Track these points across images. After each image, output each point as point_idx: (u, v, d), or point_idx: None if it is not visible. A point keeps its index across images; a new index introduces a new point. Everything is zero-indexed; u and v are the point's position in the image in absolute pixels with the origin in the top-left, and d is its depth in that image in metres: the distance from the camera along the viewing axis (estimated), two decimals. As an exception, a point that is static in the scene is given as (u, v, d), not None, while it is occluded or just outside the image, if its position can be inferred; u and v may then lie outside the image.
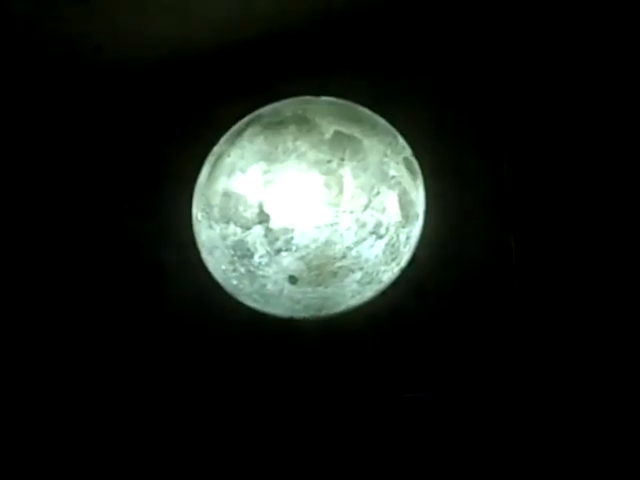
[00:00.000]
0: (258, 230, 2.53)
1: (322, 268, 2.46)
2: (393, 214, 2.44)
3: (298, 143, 2.55)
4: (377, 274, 2.37)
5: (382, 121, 2.39)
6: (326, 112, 2.49)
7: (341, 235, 2.49)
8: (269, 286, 2.45)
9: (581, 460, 2.04)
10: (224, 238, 2.50)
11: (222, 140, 2.50)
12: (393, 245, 2.40)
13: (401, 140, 2.37)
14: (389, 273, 2.33)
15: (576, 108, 2.28)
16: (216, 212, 2.51)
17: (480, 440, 2.11)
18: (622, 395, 2.06)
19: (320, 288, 2.43)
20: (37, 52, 2.49)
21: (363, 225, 2.48)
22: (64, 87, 2.64)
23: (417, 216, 2.32)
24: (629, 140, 2.22)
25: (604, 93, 2.27)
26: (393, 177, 2.45)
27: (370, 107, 2.40)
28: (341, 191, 2.52)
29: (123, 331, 2.45)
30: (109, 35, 2.46)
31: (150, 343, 2.42)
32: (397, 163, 2.42)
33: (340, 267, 2.45)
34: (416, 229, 2.31)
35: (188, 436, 2.31)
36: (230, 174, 2.55)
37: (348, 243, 2.47)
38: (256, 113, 2.49)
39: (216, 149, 2.49)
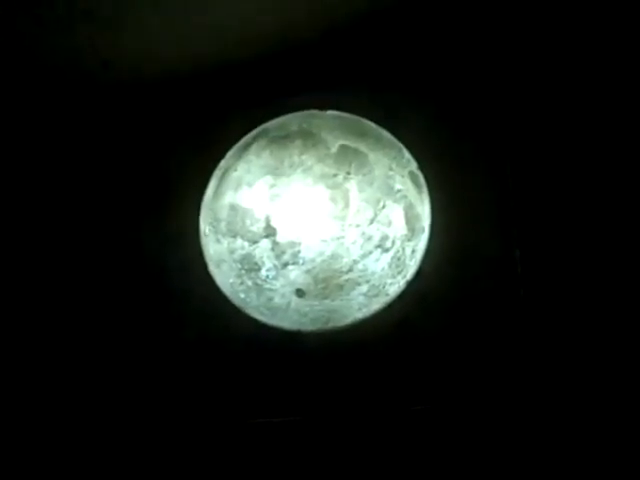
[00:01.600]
0: (265, 244, 2.55)
1: (329, 281, 2.47)
2: (399, 227, 2.45)
3: (304, 157, 2.58)
4: (383, 287, 2.39)
5: (387, 135, 2.41)
6: (332, 126, 2.51)
7: (347, 249, 2.51)
8: (276, 299, 2.46)
9: (587, 475, 2.05)
10: (231, 252, 2.51)
11: (229, 154, 2.51)
12: (399, 258, 2.41)
13: (406, 154, 2.38)
14: (395, 286, 2.34)
15: (581, 120, 2.29)
16: (223, 226, 2.53)
17: (487, 453, 2.12)
18: (630, 409, 2.06)
19: (327, 301, 2.44)
20: (43, 69, 2.51)
21: (369, 239, 2.50)
22: (71, 103, 2.66)
23: (423, 229, 2.33)
24: (635, 147, 2.23)
25: (611, 106, 2.28)
26: (399, 191, 2.47)
27: (375, 121, 2.42)
28: (347, 205, 2.55)
29: (130, 344, 2.46)
30: (115, 52, 2.48)
31: (158, 356, 2.43)
32: (402, 177, 2.44)
33: (347, 280, 2.46)
34: (422, 242, 2.31)
35: (195, 449, 2.32)
36: (237, 188, 2.57)
37: (354, 256, 2.49)
38: (262, 127, 2.51)
39: (223, 163, 2.51)
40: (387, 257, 2.44)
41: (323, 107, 2.48)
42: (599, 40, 2.32)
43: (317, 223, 2.55)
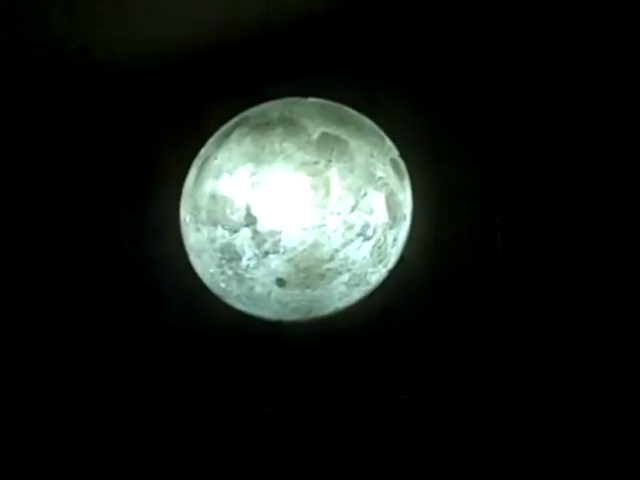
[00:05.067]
0: (246, 233, 2.53)
1: (310, 270, 2.46)
2: (380, 215, 2.44)
3: (285, 145, 2.55)
4: (365, 276, 2.38)
5: (369, 122, 2.38)
6: (313, 113, 2.49)
7: (328, 237, 2.49)
8: (257, 289, 2.45)
9: (572, 463, 2.05)
10: (212, 241, 2.49)
11: (209, 142, 2.48)
12: (380, 247, 2.40)
13: (388, 141, 2.36)
14: (377, 275, 2.33)
15: (564, 107, 2.28)
16: (203, 215, 2.51)
17: (471, 441, 2.12)
18: (611, 393, 2.07)
19: (308, 290, 2.43)
20: (20, 56, 2.48)
21: (350, 227, 2.48)
22: (48, 90, 2.63)
23: (404, 217, 2.32)
24: (621, 141, 2.22)
25: (593, 91, 2.27)
26: (380, 178, 2.45)
27: (357, 108, 2.40)
28: (328, 193, 2.53)
29: (110, 334, 2.45)
30: (94, 36, 2.45)
31: (138, 346, 2.42)
32: (384, 164, 2.42)
33: (328, 269, 2.45)
34: (403, 230, 2.30)
35: (174, 439, 2.31)
36: (217, 176, 2.54)
37: (335, 245, 2.48)
38: (243, 115, 2.48)
39: (203, 151, 2.48)
40: (368, 245, 2.43)
41: (304, 94, 2.45)
42: (585, 29, 2.31)
43: (298, 211, 2.53)
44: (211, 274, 2.42)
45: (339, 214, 2.50)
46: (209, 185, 2.53)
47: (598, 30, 2.29)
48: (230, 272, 2.46)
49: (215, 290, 2.38)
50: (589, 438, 2.05)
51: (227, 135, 2.51)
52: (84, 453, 2.36)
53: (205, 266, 2.43)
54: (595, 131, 2.25)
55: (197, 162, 2.48)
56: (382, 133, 2.37)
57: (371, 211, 2.46)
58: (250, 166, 2.56)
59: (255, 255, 2.51)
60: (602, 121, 2.25)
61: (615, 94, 2.24)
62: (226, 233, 2.52)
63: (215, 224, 2.52)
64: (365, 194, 2.48)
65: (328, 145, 2.52)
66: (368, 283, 2.33)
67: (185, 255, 2.41)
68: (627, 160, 2.20)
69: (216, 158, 2.52)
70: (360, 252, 2.44)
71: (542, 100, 2.30)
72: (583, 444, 2.05)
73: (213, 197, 2.53)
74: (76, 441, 2.37)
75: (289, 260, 2.49)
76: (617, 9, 2.27)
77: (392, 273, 2.27)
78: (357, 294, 2.31)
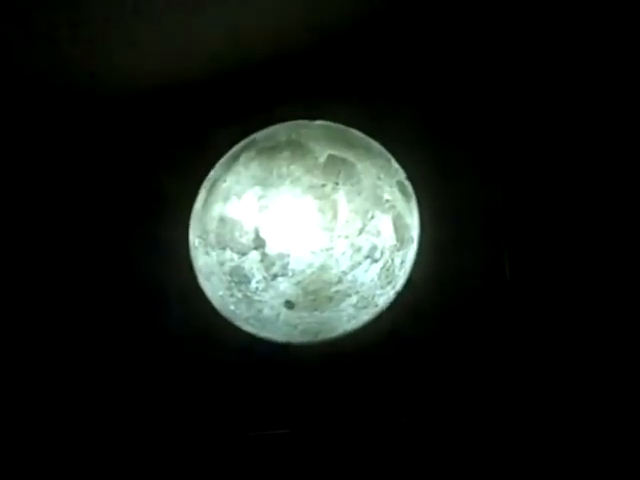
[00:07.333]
0: (254, 256, 2.55)
1: (318, 293, 2.47)
2: (388, 238, 2.45)
3: (292, 168, 2.57)
4: (373, 298, 2.38)
5: (376, 144, 2.40)
6: (320, 136, 2.50)
7: (336, 260, 2.50)
8: (266, 311, 2.46)
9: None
10: (221, 264, 2.51)
11: (217, 165, 2.51)
12: (388, 269, 2.41)
13: (394, 163, 2.37)
14: (385, 297, 2.34)
15: (572, 128, 2.29)
16: (212, 238, 2.53)
17: (477, 465, 2.12)
18: (621, 422, 2.06)
19: (316, 313, 2.44)
20: (29, 81, 2.51)
21: (358, 249, 2.49)
22: (58, 115, 2.66)
23: (412, 239, 2.33)
24: (634, 155, 2.22)
25: (602, 113, 2.27)
26: (387, 201, 2.46)
27: (364, 130, 2.41)
28: (335, 216, 2.54)
29: (120, 356, 2.46)
30: (102, 63, 2.48)
31: (148, 367, 2.43)
32: (391, 187, 2.43)
33: (336, 292, 2.46)
34: (411, 252, 2.31)
35: (181, 462, 2.32)
36: (226, 199, 2.56)
37: (343, 267, 2.48)
38: (251, 138, 2.50)
39: (212, 174, 2.50)
40: (376, 268, 2.44)
41: (311, 117, 2.47)
42: (592, 48, 2.32)
43: (306, 234, 2.54)
44: (220, 297, 2.44)
45: (347, 237, 2.51)
46: (218, 208, 2.55)
47: (614, 54, 2.31)
48: (239, 295, 2.47)
49: (224, 312, 2.39)
50: (600, 463, 2.05)
51: (235, 158, 2.53)
52: (95, 473, 2.38)
53: (214, 289, 2.44)
54: (601, 151, 2.25)
55: (206, 185, 2.51)
56: (389, 155, 2.38)
57: (378, 233, 2.47)
58: (258, 189, 2.58)
59: (264, 278, 2.52)
60: (610, 139, 2.25)
61: (628, 111, 2.25)
62: (235, 256, 2.53)
63: (224, 247, 2.53)
64: (372, 217, 2.49)
65: (335, 168, 2.53)
66: (376, 305, 2.34)
67: (194, 278, 2.43)
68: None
69: (225, 181, 2.55)
70: (368, 274, 2.44)
71: (548, 121, 2.31)
72: (594, 468, 2.05)
73: (222, 220, 2.55)
74: (88, 461, 2.39)
75: (297, 283, 2.50)
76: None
77: (400, 295, 2.28)
78: (365, 316, 2.32)
